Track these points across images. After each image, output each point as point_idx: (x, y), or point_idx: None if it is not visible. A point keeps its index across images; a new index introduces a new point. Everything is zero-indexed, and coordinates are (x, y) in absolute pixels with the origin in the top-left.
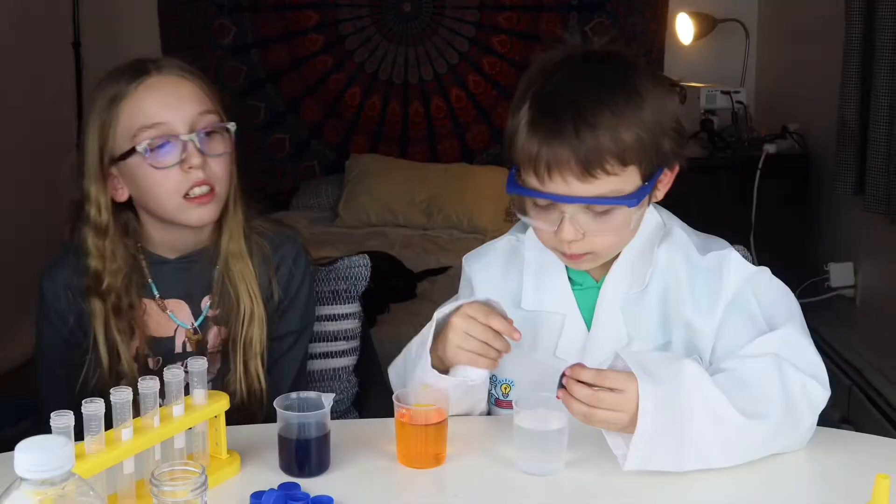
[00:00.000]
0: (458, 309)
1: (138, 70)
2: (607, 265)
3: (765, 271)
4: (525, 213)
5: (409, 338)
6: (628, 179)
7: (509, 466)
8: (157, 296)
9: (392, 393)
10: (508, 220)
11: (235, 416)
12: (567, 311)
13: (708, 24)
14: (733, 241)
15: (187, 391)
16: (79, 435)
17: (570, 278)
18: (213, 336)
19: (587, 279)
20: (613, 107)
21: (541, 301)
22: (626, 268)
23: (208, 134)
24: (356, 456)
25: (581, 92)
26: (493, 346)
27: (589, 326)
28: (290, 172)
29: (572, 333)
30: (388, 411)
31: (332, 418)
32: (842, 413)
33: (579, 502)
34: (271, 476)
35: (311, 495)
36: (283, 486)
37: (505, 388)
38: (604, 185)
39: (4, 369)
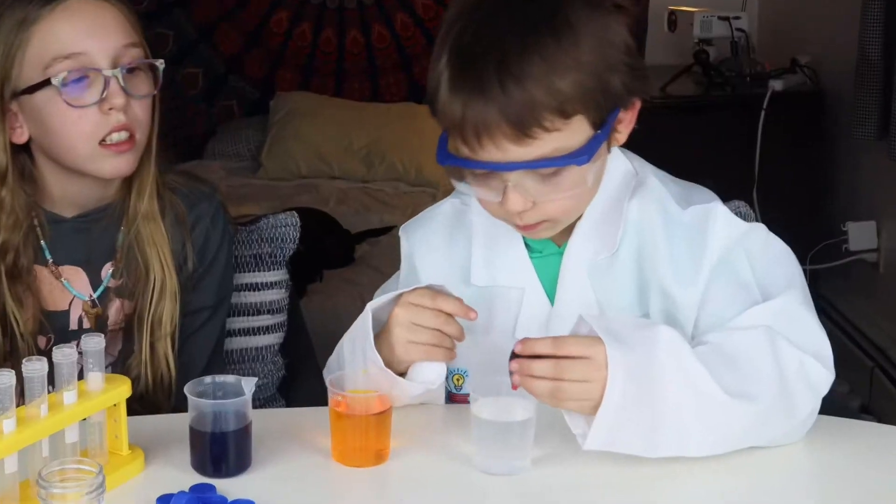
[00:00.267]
0: (398, 299)
1: None
2: (570, 227)
3: (759, 228)
4: (462, 180)
5: (346, 310)
6: (575, 132)
7: (466, 464)
8: (51, 261)
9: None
10: None
11: (139, 405)
12: (525, 283)
13: None
14: (733, 196)
15: (81, 375)
16: None
17: (527, 245)
18: (114, 311)
19: (548, 245)
20: (542, 50)
21: (494, 274)
22: (592, 229)
23: (131, 71)
24: (282, 452)
25: (503, 37)
26: (447, 333)
27: (552, 300)
28: (204, 114)
29: (533, 309)
30: (320, 398)
31: (255, 407)
32: (862, 401)
33: None
34: (181, 476)
35: (229, 499)
36: (195, 487)
37: (458, 380)
38: (545, 144)
39: None
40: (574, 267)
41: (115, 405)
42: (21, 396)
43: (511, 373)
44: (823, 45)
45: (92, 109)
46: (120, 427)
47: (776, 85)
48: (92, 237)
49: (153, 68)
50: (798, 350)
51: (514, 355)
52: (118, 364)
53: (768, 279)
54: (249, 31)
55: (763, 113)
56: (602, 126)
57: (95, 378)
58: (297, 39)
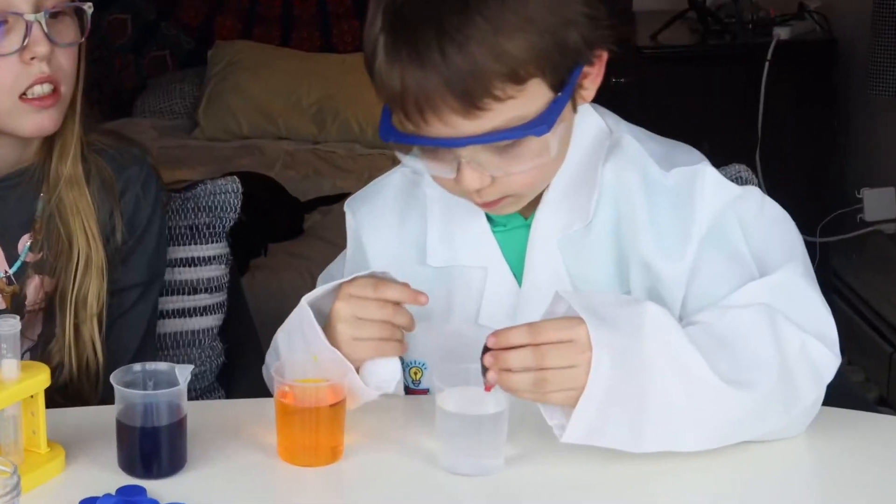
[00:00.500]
0: (338, 291)
1: None
2: (537, 197)
3: (753, 192)
4: (410, 153)
5: (294, 288)
6: (532, 97)
7: (430, 463)
8: None
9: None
10: None
11: (60, 396)
12: (489, 262)
13: None
14: (733, 159)
15: None
16: None
17: (489, 218)
18: (33, 289)
19: (513, 218)
20: (484, 10)
21: (453, 253)
22: (562, 198)
23: (55, 16)
24: (222, 449)
25: None
26: (397, 324)
27: (519, 280)
28: (133, 65)
29: (498, 291)
30: (265, 389)
31: (191, 398)
32: (880, 391)
33: None
34: (107, 477)
35: (161, 503)
36: (122, 490)
37: (416, 373)
38: (498, 115)
39: None
40: (543, 241)
41: (32, 396)
42: None
43: (484, 371)
44: None
45: (11, 59)
46: (38, 421)
47: (782, 33)
48: (7, 205)
49: (79, 12)
50: (800, 330)
51: (486, 350)
52: (37, 349)
53: (765, 250)
54: None
55: (767, 65)
56: (563, 87)
57: (10, 365)
58: None
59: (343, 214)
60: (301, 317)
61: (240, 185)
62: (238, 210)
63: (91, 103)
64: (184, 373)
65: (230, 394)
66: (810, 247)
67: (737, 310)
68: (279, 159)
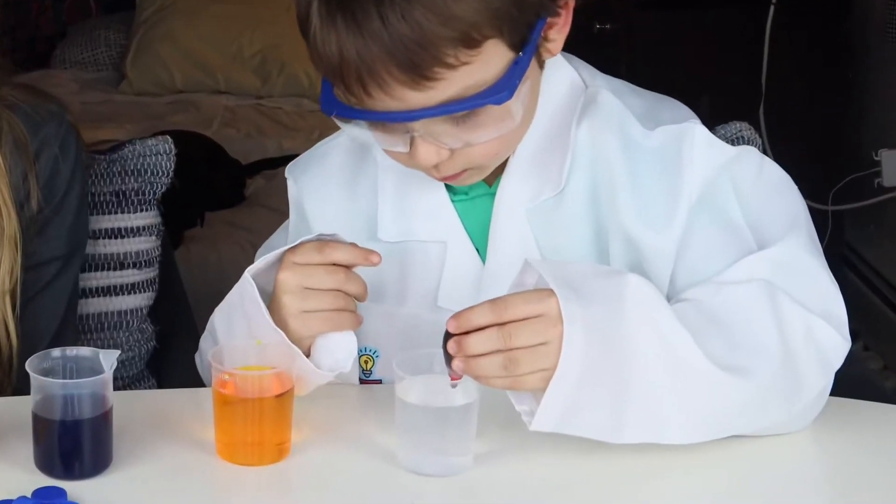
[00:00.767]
0: (281, 261)
1: None
2: (503, 162)
3: (750, 153)
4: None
5: (234, 263)
6: (490, 60)
7: (390, 462)
8: None
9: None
10: None
11: None
12: (448, 236)
13: None
14: (733, 116)
15: None
16: None
17: (448, 185)
18: None
19: (476, 185)
20: None
21: (408, 226)
22: (530, 163)
23: None
24: (152, 446)
25: None
26: (348, 293)
27: (483, 255)
28: (51, 10)
29: (459, 269)
30: (200, 378)
31: (117, 387)
32: None
33: None
34: (22, 477)
35: None
36: (39, 492)
37: (366, 362)
38: (452, 83)
39: None
40: (509, 212)
41: None
42: None
43: (448, 361)
44: None
45: None
46: None
47: None
48: None
49: None
50: (805, 310)
51: (448, 336)
52: None
53: (764, 219)
54: None
55: (772, 8)
56: (524, 46)
57: None
58: None
59: None
60: (243, 293)
61: (173, 146)
62: (171, 174)
63: (3, 52)
64: (109, 359)
65: (162, 383)
66: (821, 215)
67: (732, 286)
68: (217, 116)
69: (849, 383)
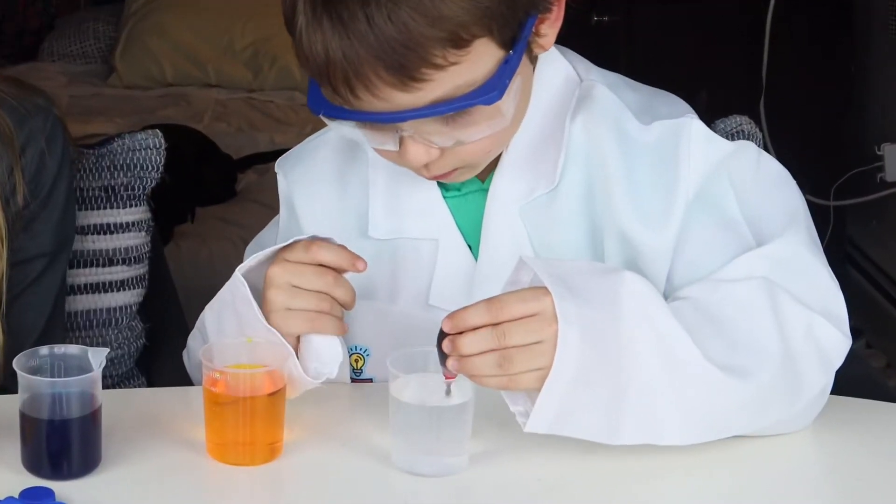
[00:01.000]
0: (276, 257)
1: None
2: (496, 158)
3: (747, 148)
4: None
5: (225, 259)
6: (479, 59)
7: (383, 462)
8: None
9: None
10: None
11: None
12: (440, 233)
13: None
14: (734, 110)
15: None
16: None
17: (440, 182)
18: None
19: (468, 181)
20: None
21: (399, 223)
22: (523, 158)
23: None
24: (142, 446)
25: None
26: (335, 297)
27: (476, 253)
28: (39, 2)
29: (451, 267)
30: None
31: (106, 386)
32: None
33: None
34: (9, 477)
35: None
36: (27, 492)
37: (357, 361)
38: (440, 84)
39: None
40: (502, 209)
41: None
42: None
43: (443, 360)
44: None
45: None
46: None
47: None
48: None
49: None
50: (806, 309)
51: (442, 335)
52: None
53: (762, 215)
54: None
55: (773, 0)
56: (515, 44)
57: None
58: None
59: None
60: (234, 291)
61: (163, 140)
62: (161, 169)
63: None
64: (98, 357)
65: (152, 381)
66: (823, 211)
67: (731, 284)
68: (208, 110)
69: (851, 382)
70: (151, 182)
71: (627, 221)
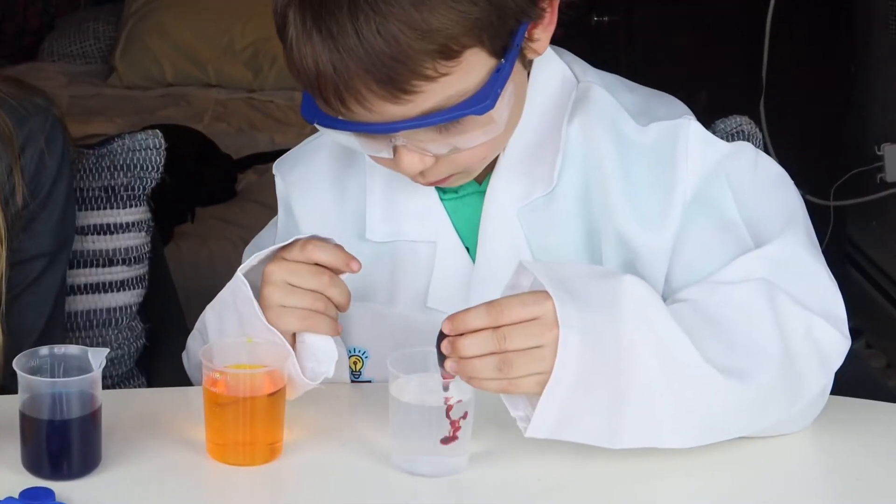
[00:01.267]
0: (274, 256)
1: None
2: (492, 161)
3: (745, 149)
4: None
5: (225, 259)
6: (471, 69)
7: (383, 462)
8: None
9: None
10: None
11: None
12: (438, 235)
13: None
14: (733, 110)
15: None
16: None
17: None
18: None
19: (466, 183)
20: None
21: (397, 225)
22: (520, 161)
23: None
24: (142, 446)
25: None
26: (330, 297)
27: (473, 255)
28: (39, 2)
29: (449, 269)
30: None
31: (106, 386)
32: None
33: None
34: (9, 477)
35: None
36: (27, 492)
37: (356, 363)
38: (432, 95)
39: None
40: (499, 211)
41: None
42: None
43: (441, 361)
44: None
45: None
46: None
47: None
48: None
49: None
50: (805, 310)
51: (441, 337)
52: None
53: (761, 216)
54: None
55: (772, 0)
56: (507, 52)
57: None
58: None
59: None
60: (235, 291)
61: (163, 140)
62: (161, 169)
63: None
64: (98, 357)
65: (152, 381)
66: (823, 211)
67: (729, 286)
68: (208, 110)
69: (851, 382)
70: (151, 182)
71: (625, 223)
